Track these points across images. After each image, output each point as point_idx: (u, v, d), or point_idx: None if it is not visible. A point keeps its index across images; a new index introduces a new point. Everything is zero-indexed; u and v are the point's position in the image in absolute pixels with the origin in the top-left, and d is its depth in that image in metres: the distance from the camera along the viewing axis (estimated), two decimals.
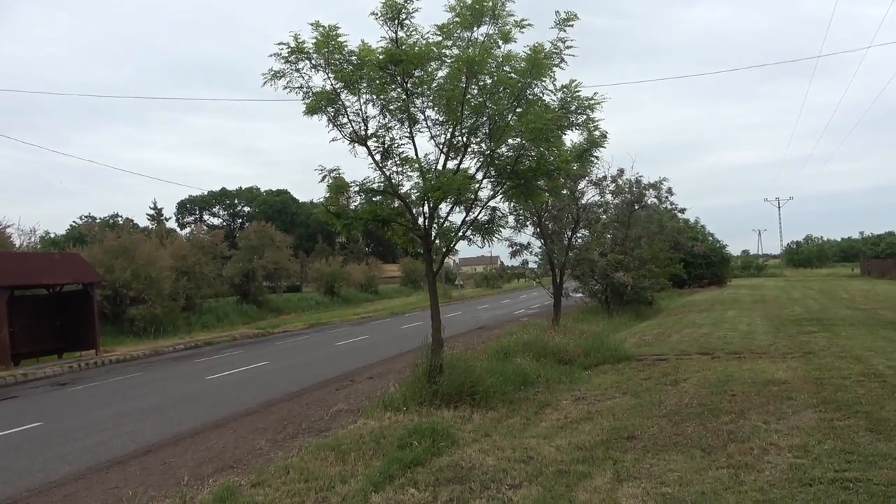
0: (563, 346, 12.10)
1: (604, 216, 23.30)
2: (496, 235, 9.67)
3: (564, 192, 15.61)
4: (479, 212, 9.22)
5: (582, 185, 16.37)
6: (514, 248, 16.68)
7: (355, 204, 9.43)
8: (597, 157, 9.41)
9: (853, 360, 9.77)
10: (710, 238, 43.90)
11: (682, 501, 4.56)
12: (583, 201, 16.60)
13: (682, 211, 29.10)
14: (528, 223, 16.52)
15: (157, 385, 14.16)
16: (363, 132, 8.87)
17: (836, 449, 5.34)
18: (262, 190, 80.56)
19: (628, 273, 19.23)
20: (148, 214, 56.32)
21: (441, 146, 9.02)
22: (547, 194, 9.56)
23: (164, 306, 25.85)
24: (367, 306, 43.72)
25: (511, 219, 16.36)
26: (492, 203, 9.59)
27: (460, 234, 9.14)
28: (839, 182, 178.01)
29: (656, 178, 23.02)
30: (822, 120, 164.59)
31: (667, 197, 24.57)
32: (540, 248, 16.27)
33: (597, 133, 9.07)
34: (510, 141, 8.61)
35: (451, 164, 9.04)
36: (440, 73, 8.64)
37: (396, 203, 9.32)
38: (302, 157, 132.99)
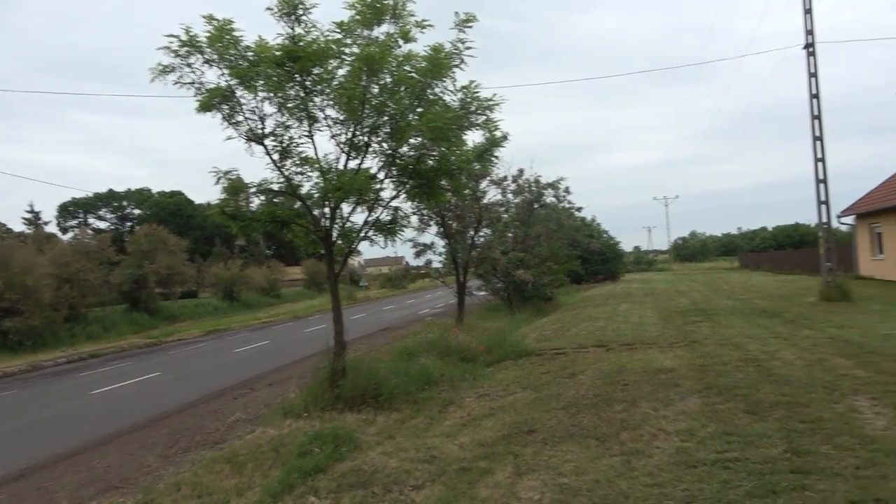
0: (466, 345, 12.24)
1: (505, 215, 23.85)
2: (399, 236, 9.64)
3: (466, 191, 15.83)
4: (381, 212, 9.15)
5: (484, 184, 16.65)
6: (419, 248, 16.72)
7: (254, 205, 9.12)
8: (497, 157, 9.61)
9: (733, 347, 10.50)
10: (605, 235, 45.99)
11: (577, 490, 4.71)
12: (484, 200, 16.86)
13: (579, 210, 30.28)
14: (431, 223, 16.61)
15: (33, 403, 13.04)
16: (260, 130, 8.58)
17: (718, 431, 5.70)
18: (155, 191, 76.11)
19: (528, 271, 19.75)
20: (24, 218, 51.94)
21: (342, 145, 8.87)
22: (449, 194, 9.62)
23: (43, 317, 23.88)
24: (269, 311, 42.47)
25: (414, 219, 16.42)
26: (394, 203, 9.56)
27: (362, 234, 9.03)
28: (720, 182, 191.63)
29: (554, 178, 23.75)
30: (706, 124, 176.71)
31: (564, 196, 25.44)
32: (444, 247, 16.38)
33: (497, 133, 9.23)
34: (412, 140, 8.59)
35: (352, 164, 8.91)
36: (340, 72, 8.48)
37: (297, 204, 9.08)
38: (197, 156, 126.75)
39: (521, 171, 22.31)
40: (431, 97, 8.59)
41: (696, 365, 9.17)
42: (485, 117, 9.04)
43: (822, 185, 18.40)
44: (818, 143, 18.43)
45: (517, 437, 6.48)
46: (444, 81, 8.49)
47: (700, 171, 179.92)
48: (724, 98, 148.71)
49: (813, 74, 18.55)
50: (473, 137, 9.54)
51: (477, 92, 8.81)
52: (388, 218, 9.41)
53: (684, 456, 5.17)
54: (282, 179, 8.72)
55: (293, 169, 8.79)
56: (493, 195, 18.51)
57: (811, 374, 7.82)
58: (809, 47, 18.60)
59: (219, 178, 8.59)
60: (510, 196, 22.90)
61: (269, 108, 8.54)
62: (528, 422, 7.01)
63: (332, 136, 8.86)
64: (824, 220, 18.60)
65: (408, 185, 9.24)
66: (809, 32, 18.64)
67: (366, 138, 8.77)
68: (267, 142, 8.65)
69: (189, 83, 8.25)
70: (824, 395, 6.66)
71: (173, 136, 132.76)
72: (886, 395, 6.38)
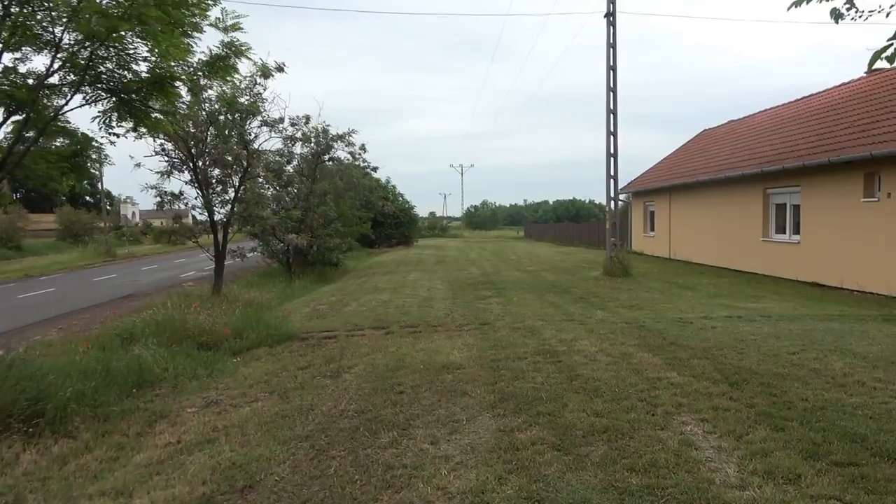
0: (208, 326, 9.39)
1: (289, 168, 20.86)
2: (86, 174, 6.49)
3: (231, 133, 12.70)
4: (45, 133, 5.91)
5: (254, 124, 13.58)
6: (163, 197, 13.20)
7: None
8: (237, 72, 6.71)
9: (527, 333, 9.06)
10: (401, 198, 44.65)
11: None
12: (255, 146, 13.81)
13: (375, 169, 28.18)
14: (183, 167, 13.19)
15: None
16: None
17: (522, 493, 3.79)
18: None
19: (303, 235, 17.10)
20: None
21: None
22: (166, 118, 6.62)
23: None
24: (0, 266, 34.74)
25: (157, 159, 12.89)
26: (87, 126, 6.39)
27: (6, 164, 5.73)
28: (511, 156, 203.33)
29: (345, 130, 21.20)
30: (500, 101, 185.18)
31: (360, 154, 23.11)
32: (196, 198, 13.09)
33: (236, 34, 6.42)
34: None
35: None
36: None
37: None
38: None
39: (307, 118, 19.43)
40: None
41: (488, 360, 7.44)
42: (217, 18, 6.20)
43: (612, 159, 18.21)
44: (612, 115, 18.14)
45: (224, 498, 4.06)
46: None
47: (493, 145, 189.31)
48: (516, 79, 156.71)
49: (612, 45, 18.14)
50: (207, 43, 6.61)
51: None
52: (69, 147, 6.21)
53: None
54: None
55: None
56: (267, 140, 15.48)
57: (620, 376, 6.42)
58: (610, 16, 18.12)
59: None
60: (297, 147, 19.98)
61: None
62: (251, 464, 4.60)
63: None
64: (612, 193, 18.50)
65: (104, 102, 6.15)
66: (611, 1, 18.16)
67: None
68: None
69: None
70: (645, 414, 5.15)
71: None
72: (718, 417, 5.02)
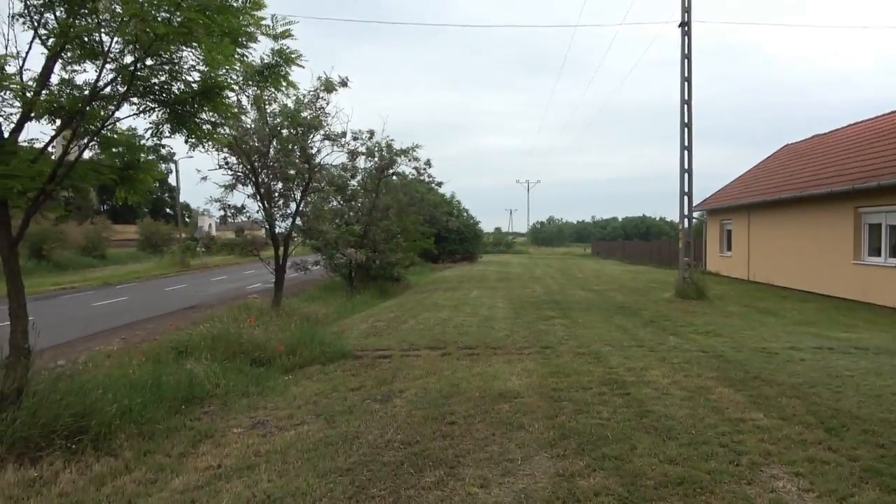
0: (261, 342, 9.23)
1: (353, 182, 20.89)
2: (142, 186, 6.39)
3: (292, 146, 12.70)
4: (91, 144, 5.83)
5: (317, 138, 13.54)
6: (227, 210, 13.29)
7: None
8: (290, 80, 6.45)
9: (592, 359, 8.43)
10: (465, 214, 44.34)
11: None
12: (318, 160, 13.76)
13: (440, 185, 28.00)
14: (247, 181, 13.27)
15: None
16: None
17: None
18: None
19: (362, 250, 16.93)
20: None
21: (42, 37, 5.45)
22: (219, 129, 6.47)
23: None
24: (84, 274, 36.56)
25: (219, 173, 13.02)
26: (149, 138, 6.29)
27: (57, 176, 5.66)
28: (577, 171, 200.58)
29: (409, 145, 21.06)
30: (567, 116, 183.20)
31: (425, 169, 22.96)
32: (257, 212, 13.12)
33: (285, 42, 6.19)
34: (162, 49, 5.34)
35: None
36: None
37: None
38: None
39: (371, 133, 19.40)
40: None
41: (549, 388, 6.89)
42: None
43: (686, 175, 17.26)
44: (686, 129, 17.24)
45: None
46: None
47: (559, 160, 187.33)
48: (584, 93, 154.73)
49: (686, 55, 17.28)
50: (258, 54, 6.38)
51: None
52: (119, 158, 6.13)
53: None
54: None
55: None
56: (329, 154, 15.44)
57: (697, 414, 5.75)
58: (685, 26, 17.28)
59: None
60: (361, 161, 19.99)
61: None
62: (285, 500, 4.27)
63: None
64: (686, 211, 17.52)
65: (154, 113, 6.05)
66: (686, 10, 17.33)
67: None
68: None
69: None
70: (728, 464, 4.49)
71: None
72: (815, 471, 4.32)
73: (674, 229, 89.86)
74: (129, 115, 5.68)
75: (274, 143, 12.90)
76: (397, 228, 21.82)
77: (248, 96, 8.52)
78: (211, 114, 6.20)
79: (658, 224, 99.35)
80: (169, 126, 6.13)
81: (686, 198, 17.38)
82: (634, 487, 4.12)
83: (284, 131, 12.89)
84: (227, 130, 10.89)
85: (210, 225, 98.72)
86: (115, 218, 74.92)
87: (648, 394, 6.52)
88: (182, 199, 71.93)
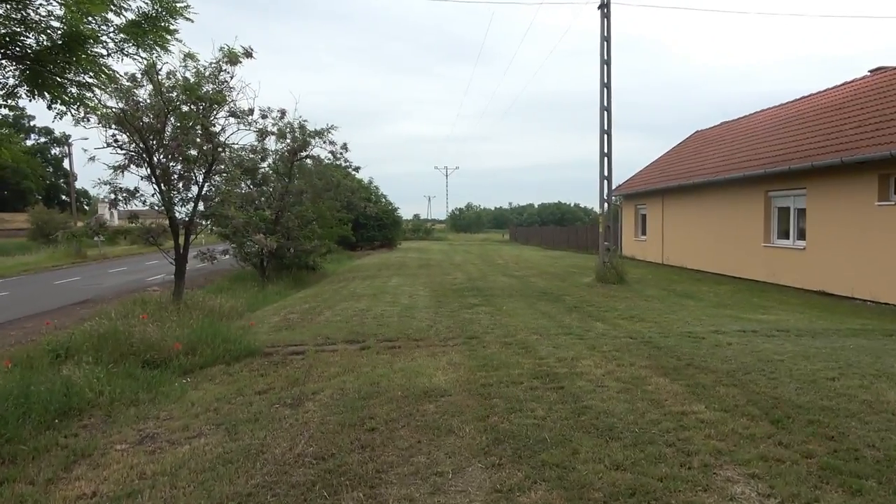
0: (156, 340, 8.20)
1: (264, 165, 19.65)
2: None
3: (195, 125, 11.50)
4: None
5: (221, 115, 12.37)
6: (118, 194, 11.94)
7: None
8: (174, 33, 5.46)
9: (520, 350, 7.97)
10: (384, 200, 43.43)
11: None
12: (223, 139, 12.58)
13: (357, 170, 27.08)
14: (142, 161, 11.96)
15: None
16: None
17: None
18: None
19: (273, 237, 15.87)
20: None
21: None
22: (83, 92, 5.44)
23: None
24: None
25: (107, 152, 11.66)
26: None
27: None
28: (496, 159, 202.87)
29: (322, 126, 20.00)
30: (484, 103, 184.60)
31: (342, 154, 22.00)
32: (153, 195, 11.86)
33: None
34: None
35: None
36: None
37: None
38: None
39: (282, 112, 18.24)
40: None
41: (478, 384, 6.34)
42: None
43: (606, 159, 17.22)
44: (605, 113, 17.16)
45: None
46: None
47: (477, 148, 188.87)
48: (500, 82, 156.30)
49: (606, 38, 17.16)
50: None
51: None
52: None
53: None
54: None
55: None
56: (235, 133, 14.26)
57: (637, 409, 5.35)
58: (604, 7, 17.16)
59: None
60: (272, 143, 18.78)
61: None
62: None
63: None
64: (605, 195, 17.51)
65: (5, 71, 4.98)
66: None
67: None
68: None
69: None
70: (679, 468, 4.07)
71: None
72: (771, 471, 3.97)
73: (588, 215, 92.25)
74: None
75: (171, 119, 11.66)
76: (312, 215, 20.77)
77: (134, 60, 7.42)
78: (81, 75, 5.20)
79: (573, 210, 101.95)
80: (26, 88, 5.08)
81: (606, 182, 17.36)
82: (582, 502, 3.61)
83: (184, 107, 11.67)
84: (112, 102, 9.64)
85: (112, 213, 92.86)
86: (2, 206, 68.94)
87: (583, 387, 6.09)
88: (81, 185, 66.67)
